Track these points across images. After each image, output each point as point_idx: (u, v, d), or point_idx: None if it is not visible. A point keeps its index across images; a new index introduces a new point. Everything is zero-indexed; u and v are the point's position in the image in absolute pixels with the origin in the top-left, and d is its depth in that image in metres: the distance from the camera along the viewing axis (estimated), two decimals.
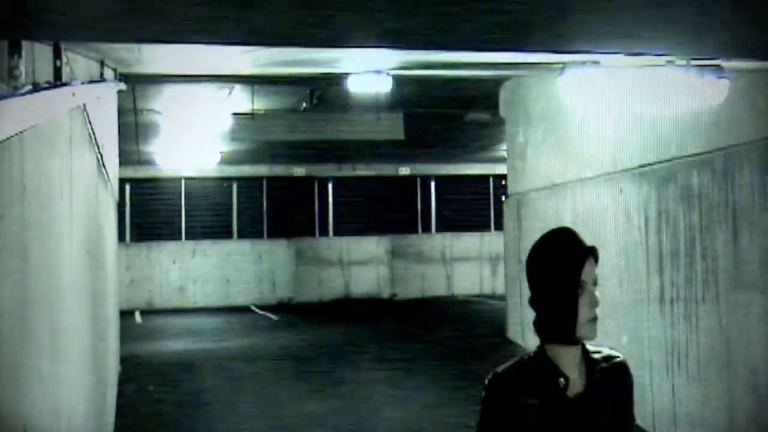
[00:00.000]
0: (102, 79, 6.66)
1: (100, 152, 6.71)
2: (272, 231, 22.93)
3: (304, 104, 14.33)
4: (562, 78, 7.68)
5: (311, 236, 23.18)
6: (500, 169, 18.37)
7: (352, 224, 23.22)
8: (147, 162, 19.41)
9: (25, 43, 3.20)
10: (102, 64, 6.73)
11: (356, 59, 7.98)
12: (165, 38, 4.71)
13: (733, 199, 7.37)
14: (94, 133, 5.90)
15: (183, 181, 22.29)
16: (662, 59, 6.63)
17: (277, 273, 22.65)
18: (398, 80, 9.52)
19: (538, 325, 2.50)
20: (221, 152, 18.66)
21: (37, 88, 3.08)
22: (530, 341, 12.50)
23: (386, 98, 12.67)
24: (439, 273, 23.50)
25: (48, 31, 3.71)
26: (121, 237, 17.64)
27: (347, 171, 23.28)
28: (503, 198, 14.69)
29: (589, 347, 2.55)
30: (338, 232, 23.32)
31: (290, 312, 20.40)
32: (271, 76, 9.37)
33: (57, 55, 4.13)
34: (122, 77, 8.14)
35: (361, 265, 23.14)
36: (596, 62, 7.34)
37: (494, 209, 23.12)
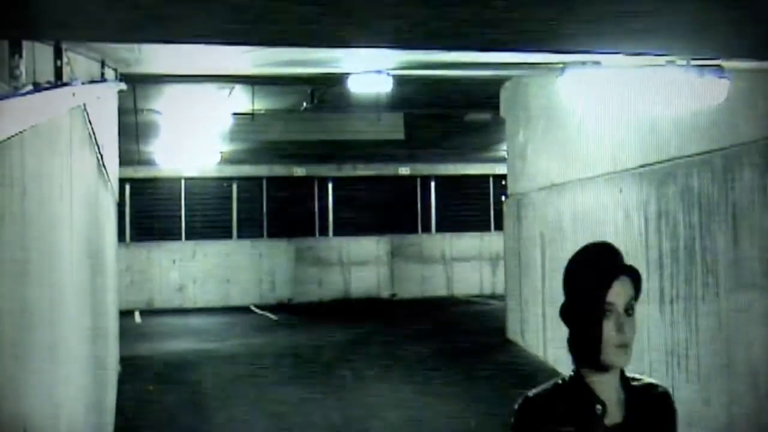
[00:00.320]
0: (102, 79, 6.67)
1: (100, 152, 6.71)
2: (272, 231, 22.93)
3: (304, 104, 14.33)
4: (563, 78, 7.69)
5: (311, 236, 23.18)
6: (500, 169, 18.36)
7: (352, 224, 23.21)
8: (147, 162, 19.41)
9: (25, 43, 3.20)
10: (102, 64, 6.74)
11: (356, 59, 7.98)
12: (165, 38, 4.72)
13: (733, 199, 7.37)
14: (94, 133, 5.90)
15: (183, 181, 22.29)
16: (662, 59, 6.63)
17: (277, 273, 22.65)
18: (398, 80, 9.53)
19: (570, 345, 2.35)
20: (221, 152, 18.66)
21: (37, 88, 3.08)
22: (530, 341, 12.55)
23: (386, 98, 12.66)
24: (439, 273, 23.50)
25: (49, 31, 3.71)
26: (121, 237, 17.63)
27: (347, 171, 23.28)
28: (503, 198, 14.69)
29: (629, 375, 2.37)
30: (338, 232, 23.32)
31: (290, 312, 20.39)
32: (271, 76, 9.37)
33: (58, 55, 4.13)
34: (123, 77, 8.14)
35: (361, 265, 23.13)
36: (596, 62, 7.35)
37: (494, 209, 23.11)
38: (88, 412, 5.22)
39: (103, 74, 6.76)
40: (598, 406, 2.28)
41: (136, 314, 19.91)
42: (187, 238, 22.33)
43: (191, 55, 6.92)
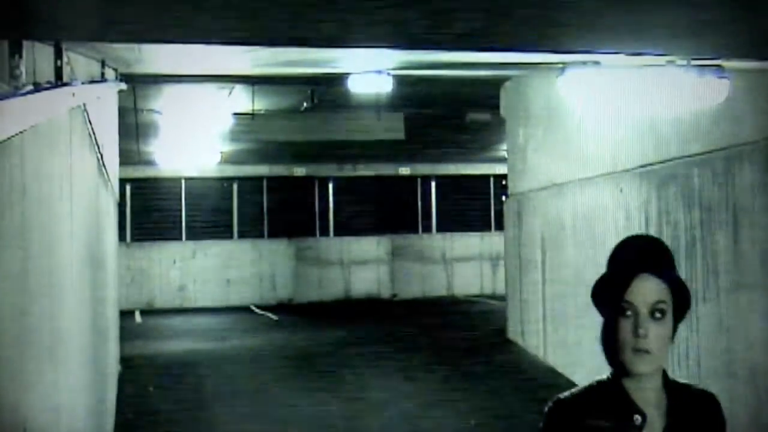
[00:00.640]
0: (102, 79, 6.67)
1: (100, 152, 6.71)
2: (272, 231, 22.93)
3: (304, 104, 14.33)
4: (563, 78, 7.69)
5: (311, 236, 23.17)
6: (500, 169, 18.36)
7: (353, 224, 23.21)
8: (147, 162, 19.40)
9: (25, 43, 3.20)
10: (103, 64, 6.74)
11: (356, 59, 7.99)
12: (165, 38, 4.72)
13: (734, 199, 7.37)
14: (94, 133, 5.90)
15: (183, 181, 22.28)
16: (662, 59, 6.63)
17: (277, 273, 22.65)
18: (398, 80, 9.53)
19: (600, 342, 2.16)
20: (221, 152, 18.66)
21: (37, 88, 3.08)
22: (530, 342, 12.55)
23: (386, 98, 12.66)
24: (439, 273, 23.49)
25: (49, 31, 3.71)
26: (121, 237, 17.63)
27: (347, 171, 23.28)
28: (503, 198, 14.69)
29: (675, 380, 2.17)
30: (338, 232, 23.31)
31: (290, 312, 20.39)
32: (271, 76, 9.38)
33: (58, 55, 4.13)
34: (123, 77, 8.15)
35: (361, 265, 23.13)
36: (596, 62, 7.35)
37: (494, 209, 23.11)
38: (88, 412, 5.22)
39: (103, 74, 6.76)
40: (637, 416, 2.08)
41: (137, 314, 19.91)
42: (187, 238, 22.33)
43: (191, 55, 6.92)
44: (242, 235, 22.79)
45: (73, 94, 3.95)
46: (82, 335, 4.97)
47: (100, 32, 4.22)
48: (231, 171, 22.18)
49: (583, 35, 4.61)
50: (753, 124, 7.17)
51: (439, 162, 22.89)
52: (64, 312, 3.96)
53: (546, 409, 2.16)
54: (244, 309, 21.15)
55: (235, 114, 15.00)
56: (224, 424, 9.32)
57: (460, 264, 23.55)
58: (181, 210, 22.44)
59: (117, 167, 11.00)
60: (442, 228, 23.89)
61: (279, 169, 22.73)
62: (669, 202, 8.53)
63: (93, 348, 5.76)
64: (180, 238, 22.32)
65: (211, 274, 22.20)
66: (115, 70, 7.76)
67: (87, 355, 5.21)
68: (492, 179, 23.48)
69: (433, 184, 23.95)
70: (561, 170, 11.63)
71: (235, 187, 22.83)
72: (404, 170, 23.56)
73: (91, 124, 5.58)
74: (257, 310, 20.86)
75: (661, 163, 8.74)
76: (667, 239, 8.50)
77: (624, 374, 2.08)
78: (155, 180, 21.94)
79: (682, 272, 8.09)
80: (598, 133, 10.43)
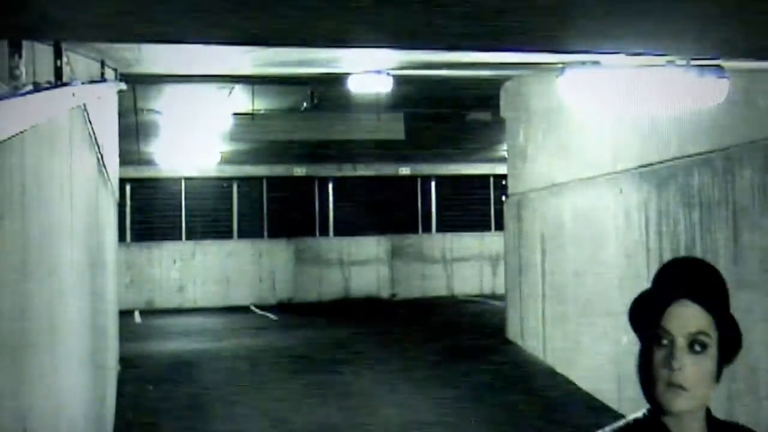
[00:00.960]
0: (102, 79, 6.67)
1: (100, 152, 6.72)
2: (272, 231, 22.93)
3: (304, 104, 14.34)
4: (563, 78, 7.68)
5: (311, 236, 23.17)
6: (500, 169, 18.36)
7: (352, 224, 23.20)
8: (147, 162, 19.41)
9: (25, 43, 3.20)
10: (102, 64, 6.73)
11: (356, 59, 7.98)
12: (165, 38, 4.72)
13: (734, 199, 7.37)
14: (94, 133, 5.90)
15: (183, 181, 22.29)
16: (662, 59, 6.63)
17: (277, 273, 22.65)
18: (398, 80, 9.53)
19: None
20: (221, 152, 18.66)
21: (37, 88, 3.08)
22: (529, 342, 12.55)
23: (386, 98, 12.67)
24: (439, 273, 23.49)
25: (48, 31, 3.71)
26: (121, 237, 17.63)
27: (347, 171, 23.28)
28: (503, 198, 14.69)
29: (718, 418, 1.94)
30: (338, 232, 23.32)
31: (290, 312, 20.40)
32: (271, 76, 9.38)
33: (57, 55, 4.13)
34: (123, 77, 8.14)
35: (361, 265, 23.13)
36: (596, 62, 7.34)
37: (494, 209, 23.11)
38: (88, 411, 5.22)
39: (103, 74, 6.76)
40: None
41: (136, 314, 19.91)
42: (187, 238, 22.33)
43: (191, 55, 6.92)
44: (242, 235, 22.79)
45: (73, 94, 3.95)
46: (82, 335, 4.97)
47: (100, 32, 4.22)
48: (231, 171, 22.18)
49: (583, 35, 4.61)
50: (753, 124, 7.17)
51: (439, 162, 22.89)
52: (64, 312, 3.96)
53: None
54: (243, 309, 21.15)
55: (235, 114, 15.01)
56: (224, 423, 9.32)
57: (459, 264, 23.55)
58: (180, 210, 22.45)
59: (117, 167, 11.00)
60: (442, 228, 23.89)
61: (279, 169, 22.72)
62: (669, 202, 8.54)
63: (93, 348, 5.76)
64: (180, 238, 22.33)
65: (211, 274, 22.20)
66: (115, 70, 7.76)
67: (87, 355, 5.21)
68: (492, 179, 23.48)
69: (433, 184, 23.95)
70: (561, 170, 11.63)
71: (234, 187, 22.83)
72: (404, 170, 23.56)
73: (91, 124, 5.58)
74: (257, 310, 20.86)
75: (660, 163, 8.74)
76: (666, 239, 8.51)
77: (660, 411, 1.85)
78: (155, 180, 21.95)
79: None
80: (598, 133, 10.43)
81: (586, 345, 10.23)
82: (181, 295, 22.00)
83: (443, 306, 21.04)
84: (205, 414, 9.70)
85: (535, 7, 3.67)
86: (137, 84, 10.47)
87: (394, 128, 16.28)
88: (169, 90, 12.68)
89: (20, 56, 3.13)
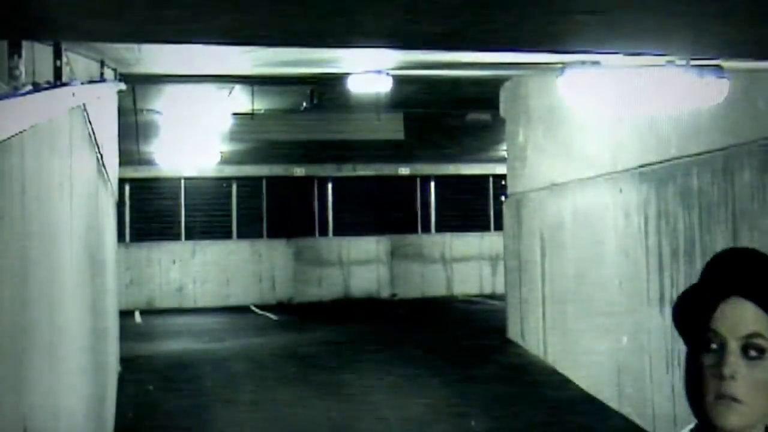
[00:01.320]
0: (102, 79, 6.67)
1: (100, 152, 6.72)
2: (272, 231, 22.92)
3: (304, 104, 14.33)
4: (562, 78, 7.68)
5: (311, 236, 23.17)
6: (500, 169, 18.35)
7: (352, 224, 23.21)
8: (147, 162, 19.40)
9: (25, 43, 3.20)
10: (102, 64, 6.74)
11: (356, 59, 7.99)
12: (165, 39, 4.72)
13: (733, 199, 7.37)
14: (94, 133, 5.90)
15: (183, 181, 22.28)
16: (662, 59, 6.64)
17: (276, 273, 22.65)
18: (398, 80, 9.53)
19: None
20: (221, 152, 18.66)
21: (37, 88, 3.08)
22: (530, 342, 12.55)
23: (386, 98, 12.67)
24: (439, 273, 23.49)
25: (48, 31, 3.71)
26: (121, 237, 17.63)
27: (347, 171, 23.28)
28: (503, 198, 14.69)
29: None
30: (338, 232, 23.31)
31: (290, 312, 20.40)
32: (271, 76, 9.37)
33: (57, 55, 4.13)
34: (122, 77, 8.15)
35: (361, 265, 23.13)
36: (596, 62, 7.34)
37: (494, 209, 23.11)
38: (89, 412, 5.22)
39: (102, 74, 6.76)
40: None
41: (136, 314, 19.91)
42: (187, 238, 22.33)
43: (191, 55, 6.92)
44: (242, 235, 22.79)
45: (73, 94, 3.95)
46: (82, 335, 4.97)
47: (100, 32, 4.22)
48: (230, 171, 22.18)
49: (582, 35, 4.61)
50: (752, 124, 7.18)
51: (438, 162, 22.89)
52: (64, 312, 3.96)
53: None
54: (243, 309, 21.15)
55: (235, 114, 15.01)
56: (224, 423, 9.32)
57: (459, 264, 23.55)
58: (180, 210, 22.44)
59: (117, 167, 11.00)
60: (442, 228, 23.89)
61: (278, 169, 22.72)
62: (668, 202, 8.54)
63: (93, 348, 5.76)
64: (179, 238, 22.32)
65: (211, 274, 22.20)
66: (115, 70, 7.76)
67: (87, 355, 5.21)
68: (492, 179, 23.48)
69: (433, 184, 23.95)
70: (561, 170, 11.64)
71: (234, 187, 22.82)
72: (404, 170, 23.55)
73: (91, 124, 5.58)
74: (257, 310, 20.86)
75: (660, 163, 8.74)
76: (666, 239, 8.51)
77: (710, 428, 1.53)
78: (155, 180, 21.94)
79: (681, 272, 8.12)
80: (598, 133, 10.43)
81: (586, 345, 10.24)
82: (180, 295, 22.00)
83: (443, 306, 21.04)
84: (206, 414, 9.70)
85: (535, 7, 3.67)
86: (137, 84, 10.47)
87: (394, 128, 16.29)
88: (169, 90, 12.68)
89: (20, 56, 3.13)
